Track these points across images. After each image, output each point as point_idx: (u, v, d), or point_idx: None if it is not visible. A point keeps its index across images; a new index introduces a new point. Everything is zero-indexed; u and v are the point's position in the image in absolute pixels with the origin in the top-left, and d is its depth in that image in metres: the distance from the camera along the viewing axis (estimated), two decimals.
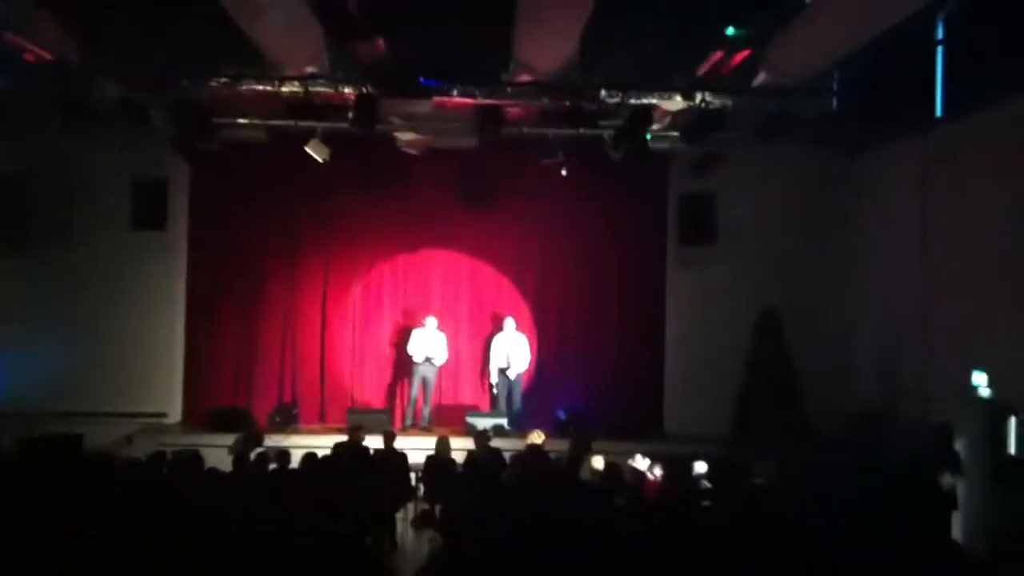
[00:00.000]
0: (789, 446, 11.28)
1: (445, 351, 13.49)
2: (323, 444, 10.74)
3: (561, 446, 10.72)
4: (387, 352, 14.00)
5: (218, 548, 6.25)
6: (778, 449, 10.97)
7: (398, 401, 13.86)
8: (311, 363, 13.94)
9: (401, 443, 10.79)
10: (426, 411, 13.42)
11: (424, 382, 13.41)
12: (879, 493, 8.26)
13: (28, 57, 10.61)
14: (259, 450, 10.19)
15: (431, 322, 13.46)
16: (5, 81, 11.02)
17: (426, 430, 12.88)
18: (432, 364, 13.39)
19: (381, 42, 10.28)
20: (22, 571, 5.76)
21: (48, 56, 10.51)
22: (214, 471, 8.75)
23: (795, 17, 10.10)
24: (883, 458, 10.00)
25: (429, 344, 13.41)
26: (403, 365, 13.74)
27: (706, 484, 9.05)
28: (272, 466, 9.20)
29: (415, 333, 13.51)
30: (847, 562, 6.12)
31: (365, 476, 9.32)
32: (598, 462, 9.48)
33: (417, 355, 13.37)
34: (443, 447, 10.46)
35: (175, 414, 13.61)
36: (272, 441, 11.50)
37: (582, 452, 10.04)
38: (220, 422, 12.65)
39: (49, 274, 13.30)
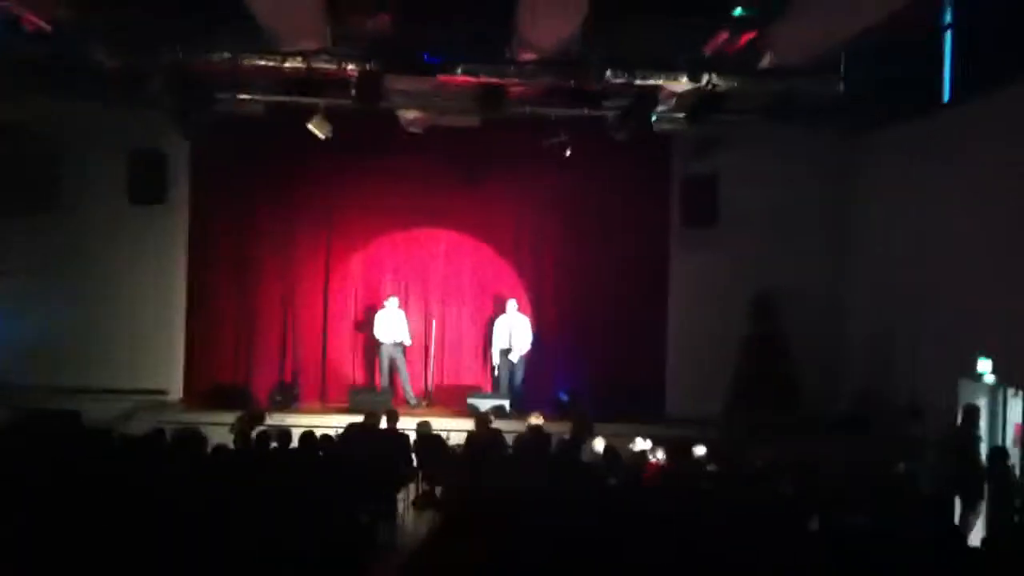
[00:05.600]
0: (783, 430, 11.29)
1: (407, 331, 13.49)
2: (324, 424, 10.70)
3: (563, 428, 10.70)
4: None
5: (217, 524, 6.24)
6: (772, 433, 10.96)
7: (397, 381, 13.73)
8: (312, 342, 13.90)
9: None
10: (409, 391, 13.44)
11: (393, 363, 13.40)
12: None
13: (26, 24, 10.47)
14: (260, 429, 10.17)
15: (392, 302, 13.42)
16: (2, 47, 10.88)
17: (415, 408, 12.97)
18: (400, 345, 13.41)
19: (385, 17, 10.18)
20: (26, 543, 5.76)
21: (46, 26, 10.36)
22: (219, 448, 8.75)
23: None
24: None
25: (394, 325, 13.39)
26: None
27: (711, 467, 9.03)
28: (273, 445, 9.18)
29: (379, 315, 13.45)
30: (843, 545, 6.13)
31: (366, 455, 9.31)
32: (599, 444, 9.46)
33: (385, 337, 13.34)
34: (424, 428, 10.46)
35: (176, 391, 13.55)
36: (273, 420, 11.49)
37: (583, 434, 10.02)
38: (220, 400, 12.63)
39: (45, 246, 13.16)
